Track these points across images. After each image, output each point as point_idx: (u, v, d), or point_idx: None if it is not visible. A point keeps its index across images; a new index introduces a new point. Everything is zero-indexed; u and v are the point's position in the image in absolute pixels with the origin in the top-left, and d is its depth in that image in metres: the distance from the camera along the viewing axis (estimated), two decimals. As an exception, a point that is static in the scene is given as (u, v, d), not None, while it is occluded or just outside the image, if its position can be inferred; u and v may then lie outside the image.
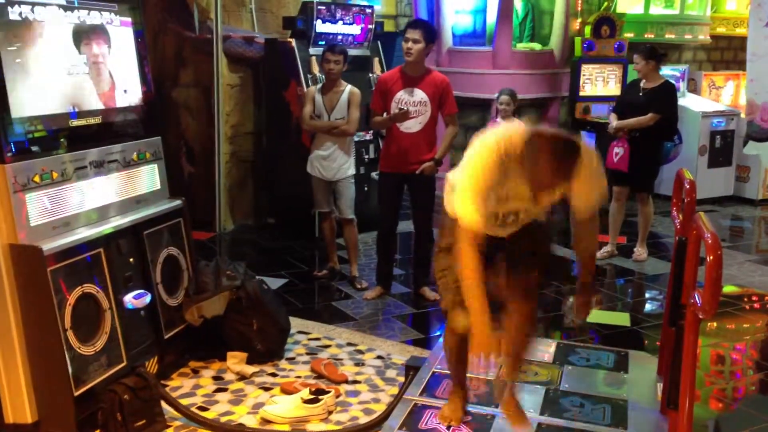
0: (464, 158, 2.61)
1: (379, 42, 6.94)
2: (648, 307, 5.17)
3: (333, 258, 5.51)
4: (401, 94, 4.68)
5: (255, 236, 6.67)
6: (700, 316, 2.21)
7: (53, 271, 2.95)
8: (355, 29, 6.67)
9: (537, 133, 2.50)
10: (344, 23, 6.55)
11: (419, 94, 4.66)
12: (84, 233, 3.19)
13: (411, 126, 4.68)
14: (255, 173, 7.02)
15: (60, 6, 3.19)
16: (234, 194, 6.85)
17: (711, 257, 2.06)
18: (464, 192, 2.55)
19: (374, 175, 6.17)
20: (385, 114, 4.75)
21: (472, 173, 2.55)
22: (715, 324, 4.75)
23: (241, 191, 6.95)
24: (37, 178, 2.99)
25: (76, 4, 3.28)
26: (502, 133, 2.56)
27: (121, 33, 3.59)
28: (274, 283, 5.15)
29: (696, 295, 2.20)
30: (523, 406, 3.03)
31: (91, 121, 3.37)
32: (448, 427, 2.88)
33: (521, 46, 8.21)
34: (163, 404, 3.22)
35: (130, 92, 3.64)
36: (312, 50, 6.27)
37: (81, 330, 3.06)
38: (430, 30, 4.75)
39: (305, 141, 5.64)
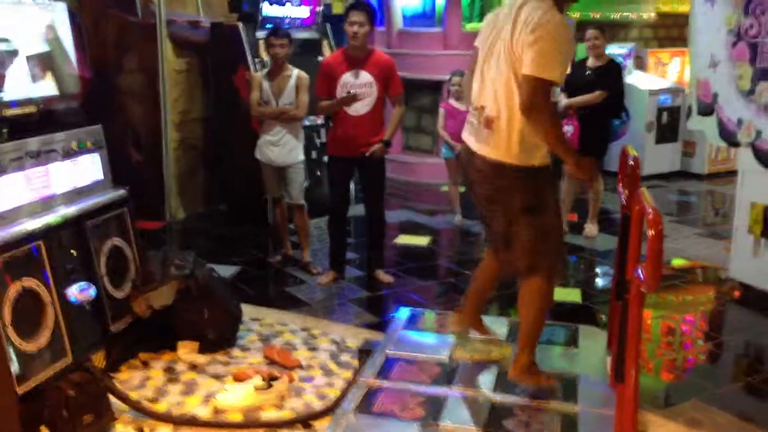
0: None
1: (327, 24, 6.87)
2: (599, 282, 5.25)
3: (286, 244, 5.46)
4: (347, 77, 4.63)
5: (207, 224, 6.57)
6: (643, 290, 2.24)
7: (-10, 266, 2.86)
8: (304, 12, 6.59)
9: None
10: (292, 5, 6.47)
11: (365, 76, 4.62)
12: (21, 226, 3.08)
13: (359, 108, 4.64)
14: (205, 160, 6.91)
15: (-11, -10, 3.07)
16: (184, 182, 6.74)
17: (652, 232, 2.09)
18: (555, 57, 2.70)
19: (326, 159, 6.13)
20: (333, 98, 4.70)
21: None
22: (664, 296, 4.85)
23: (191, 178, 6.83)
24: (-32, 171, 2.89)
25: (6, -12, 3.16)
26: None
27: (56, 17, 3.47)
28: (227, 270, 5.09)
29: (639, 270, 2.23)
30: (476, 385, 3.06)
31: (27, 110, 3.26)
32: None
33: (470, 27, 8.21)
34: (112, 398, 3.15)
35: (67, 79, 3.53)
36: (259, 34, 6.18)
37: (22, 326, 2.96)
38: (373, 11, 4.70)
39: (255, 126, 5.56)
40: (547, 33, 2.65)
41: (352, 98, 4.58)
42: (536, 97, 2.65)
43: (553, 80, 2.67)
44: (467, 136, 3.03)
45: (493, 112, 2.84)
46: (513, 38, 2.72)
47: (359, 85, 4.62)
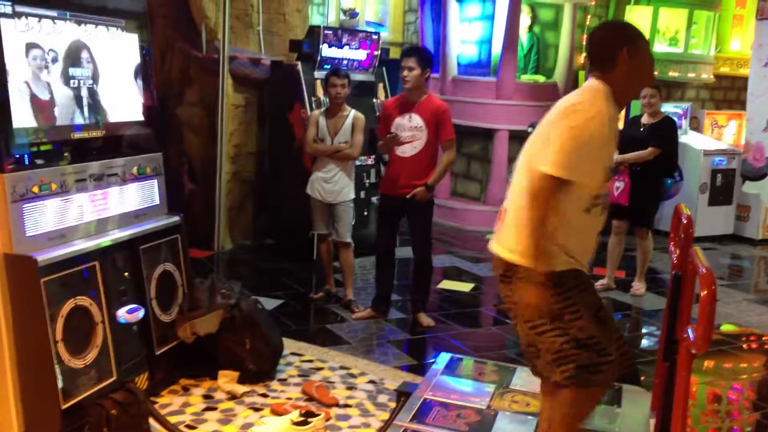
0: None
1: (384, 68, 6.99)
2: (644, 342, 5.14)
3: (329, 281, 5.49)
4: (399, 120, 4.74)
5: (253, 256, 6.66)
6: (693, 351, 2.20)
7: (47, 282, 2.94)
8: (361, 54, 6.73)
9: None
10: (350, 48, 6.61)
11: (416, 119, 4.71)
12: (80, 245, 3.18)
13: (406, 150, 4.74)
14: (255, 194, 7.03)
15: (67, 20, 3.22)
16: (234, 214, 6.86)
17: (705, 292, 2.05)
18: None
19: (374, 200, 6.19)
20: None
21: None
22: (712, 362, 4.72)
23: (241, 211, 6.96)
24: (35, 189, 3.00)
25: (83, 19, 3.31)
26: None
27: (127, 49, 3.62)
28: (270, 303, 5.14)
29: (689, 330, 2.19)
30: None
31: (94, 134, 3.39)
32: None
33: (525, 78, 8.27)
34: (151, 421, 3.19)
35: (133, 108, 3.66)
36: (317, 74, 6.32)
37: (72, 342, 3.04)
38: (426, 56, 4.78)
39: (306, 163, 5.66)
40: (571, 126, 2.34)
41: (393, 139, 4.68)
42: (541, 191, 2.34)
43: (564, 178, 2.32)
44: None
45: (506, 203, 2.58)
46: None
47: (410, 128, 4.70)
